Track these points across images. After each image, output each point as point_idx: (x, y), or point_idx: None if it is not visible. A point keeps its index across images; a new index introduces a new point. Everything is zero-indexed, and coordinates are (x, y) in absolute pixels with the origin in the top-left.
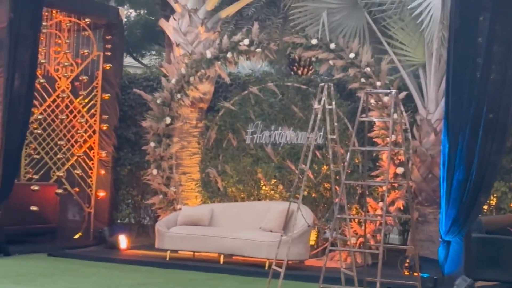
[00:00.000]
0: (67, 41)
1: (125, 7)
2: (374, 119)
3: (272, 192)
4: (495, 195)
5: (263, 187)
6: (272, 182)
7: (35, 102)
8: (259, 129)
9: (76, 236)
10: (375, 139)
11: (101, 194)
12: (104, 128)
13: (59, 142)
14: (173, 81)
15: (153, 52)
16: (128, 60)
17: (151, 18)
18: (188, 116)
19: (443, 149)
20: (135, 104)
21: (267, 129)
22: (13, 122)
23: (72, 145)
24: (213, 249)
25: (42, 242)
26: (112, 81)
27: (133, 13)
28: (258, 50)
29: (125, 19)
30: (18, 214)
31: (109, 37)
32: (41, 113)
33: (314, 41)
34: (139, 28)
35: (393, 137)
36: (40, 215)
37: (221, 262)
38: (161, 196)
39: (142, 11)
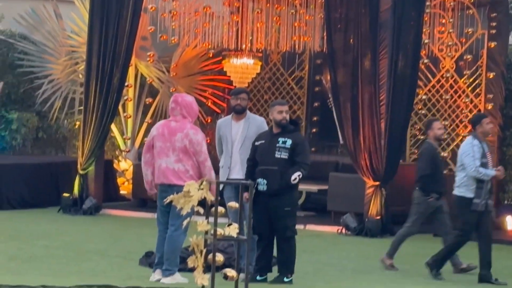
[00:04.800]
0: (450, 20)
1: None
2: None
3: None
4: None
5: None
6: None
7: (419, 82)
8: None
9: None
10: None
11: None
12: (489, 107)
13: (443, 122)
14: None
15: None
16: None
17: None
18: None
19: None
20: None
21: None
22: (397, 103)
23: (457, 125)
24: None
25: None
26: (497, 60)
27: None
28: None
29: None
30: (403, 195)
31: (494, 14)
32: (425, 94)
33: None
34: None
35: None
36: None
37: None
38: None
39: None
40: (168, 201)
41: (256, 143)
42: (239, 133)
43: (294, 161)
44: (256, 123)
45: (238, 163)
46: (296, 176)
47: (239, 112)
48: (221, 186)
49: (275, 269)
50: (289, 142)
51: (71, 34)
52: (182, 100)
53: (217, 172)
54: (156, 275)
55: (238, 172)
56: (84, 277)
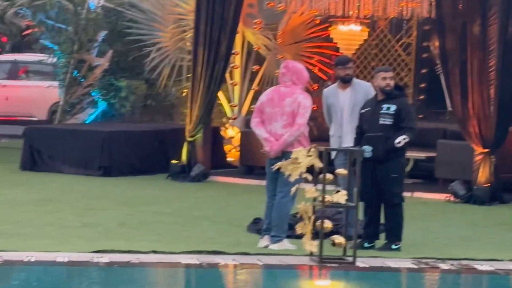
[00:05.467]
0: None
1: None
2: None
3: None
4: None
5: None
6: None
7: None
8: None
9: None
10: None
11: None
12: None
13: None
14: None
15: None
16: None
17: None
18: None
19: None
20: None
21: None
22: (507, 69)
23: None
24: None
25: None
26: None
27: None
28: None
29: None
30: None
31: None
32: None
33: None
34: None
35: None
36: None
37: None
38: None
39: None
40: (276, 167)
41: (362, 111)
42: (347, 101)
43: (399, 126)
44: (362, 89)
45: (349, 131)
46: (400, 139)
47: (347, 82)
48: (332, 155)
49: (382, 236)
50: (393, 108)
51: (179, 2)
52: (293, 67)
53: (327, 140)
54: (264, 241)
55: (349, 141)
56: (193, 243)
